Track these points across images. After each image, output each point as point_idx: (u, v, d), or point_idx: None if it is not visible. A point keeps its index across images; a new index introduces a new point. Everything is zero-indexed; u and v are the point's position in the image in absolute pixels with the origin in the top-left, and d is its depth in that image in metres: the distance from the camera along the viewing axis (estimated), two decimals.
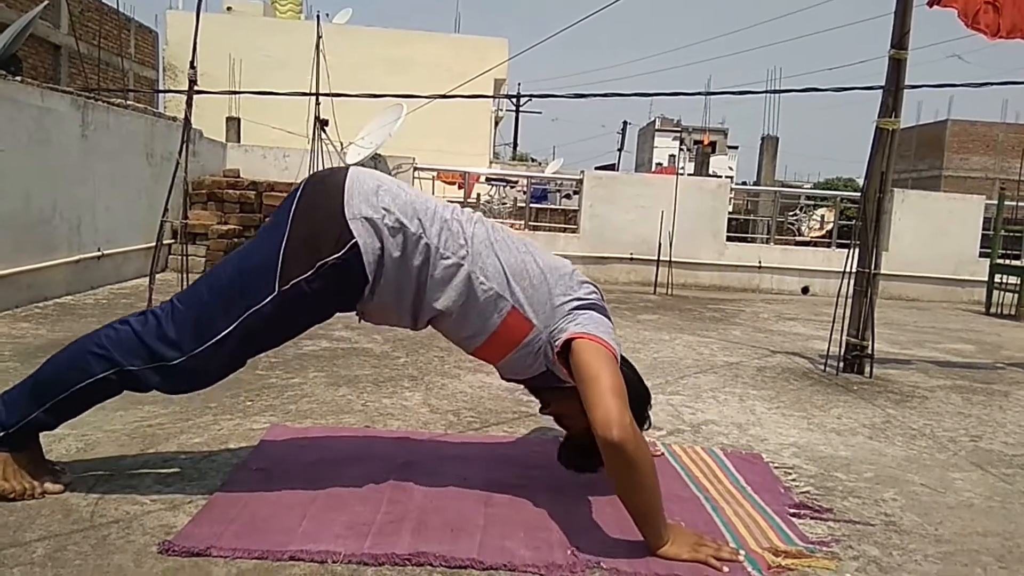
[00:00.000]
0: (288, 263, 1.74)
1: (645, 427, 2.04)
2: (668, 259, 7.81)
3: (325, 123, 7.81)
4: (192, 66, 3.99)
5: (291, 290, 1.74)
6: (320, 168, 7.64)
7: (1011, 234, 9.29)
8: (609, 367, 1.74)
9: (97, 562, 1.54)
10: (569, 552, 1.68)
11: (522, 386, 2.14)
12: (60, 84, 11.24)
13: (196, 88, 4.03)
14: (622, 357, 1.89)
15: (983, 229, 8.81)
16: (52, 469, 1.90)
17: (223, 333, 1.75)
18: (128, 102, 7.30)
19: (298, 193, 1.84)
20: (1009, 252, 9.11)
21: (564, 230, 9.74)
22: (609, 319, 1.92)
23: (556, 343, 1.84)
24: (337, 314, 1.90)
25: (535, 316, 1.87)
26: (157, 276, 4.24)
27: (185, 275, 3.87)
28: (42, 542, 1.61)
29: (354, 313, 1.93)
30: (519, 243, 1.95)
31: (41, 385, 1.80)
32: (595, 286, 1.99)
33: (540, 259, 1.93)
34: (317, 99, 7.69)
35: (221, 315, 1.76)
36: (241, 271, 1.80)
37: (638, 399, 1.94)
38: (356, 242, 1.75)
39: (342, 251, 1.75)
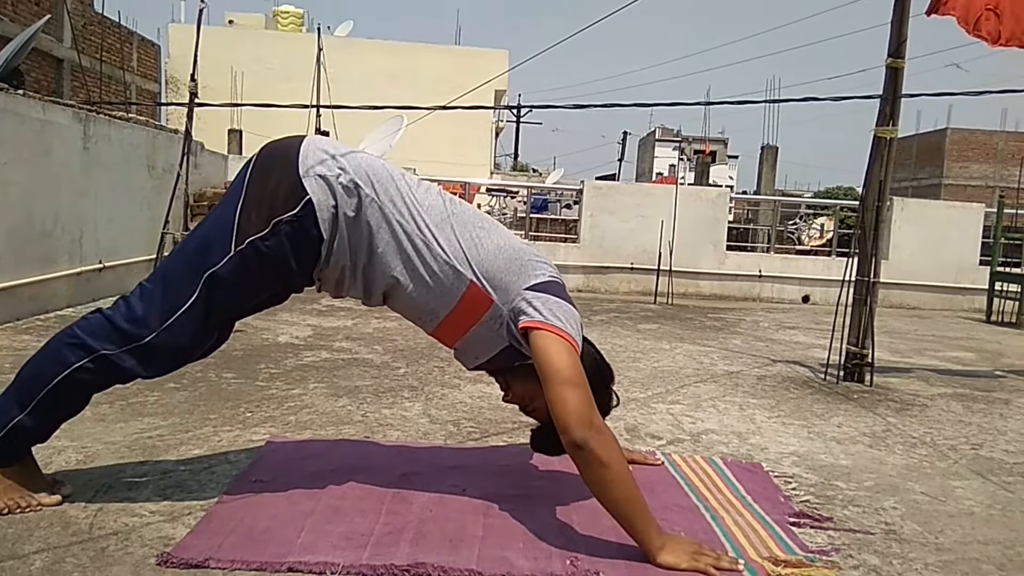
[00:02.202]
0: (243, 222, 1.75)
1: (613, 404, 2.03)
2: (668, 268, 7.82)
3: (326, 135, 7.85)
4: (193, 79, 4.01)
5: (247, 249, 1.74)
6: None
7: (1011, 242, 9.28)
8: (567, 359, 1.74)
9: (95, 574, 1.54)
10: (568, 562, 1.68)
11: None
12: (63, 97, 11.30)
13: (197, 101, 4.06)
14: (584, 338, 1.88)
15: (983, 237, 8.81)
16: (50, 481, 1.90)
17: (188, 303, 1.75)
18: (130, 115, 7.33)
19: (253, 158, 1.85)
20: (1009, 260, 9.11)
21: (565, 240, 9.75)
22: (567, 298, 1.88)
23: (517, 325, 1.82)
24: (300, 293, 1.90)
25: (494, 292, 1.85)
26: None
27: None
28: (40, 554, 1.61)
29: (313, 286, 1.91)
30: (476, 218, 1.92)
31: (21, 386, 1.79)
32: (551, 265, 1.95)
33: (496, 236, 1.90)
34: (318, 111, 7.73)
35: (185, 285, 1.76)
36: (201, 239, 1.81)
37: (600, 379, 1.92)
38: (310, 199, 1.75)
39: (296, 208, 1.74)
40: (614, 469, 1.68)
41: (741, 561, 1.72)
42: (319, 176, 1.77)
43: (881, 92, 3.99)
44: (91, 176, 5.32)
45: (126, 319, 1.76)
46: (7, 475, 1.80)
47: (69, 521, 1.77)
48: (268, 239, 1.75)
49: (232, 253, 1.75)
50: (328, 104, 7.60)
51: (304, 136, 1.91)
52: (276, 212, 1.75)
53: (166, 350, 1.78)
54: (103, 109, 6.79)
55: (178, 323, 1.76)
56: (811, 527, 1.99)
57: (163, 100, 17.07)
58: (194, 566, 1.58)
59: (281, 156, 1.81)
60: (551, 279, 1.89)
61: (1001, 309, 7.67)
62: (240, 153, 10.98)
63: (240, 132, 13.10)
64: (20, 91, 4.81)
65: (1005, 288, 7.67)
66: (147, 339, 1.75)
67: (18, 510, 1.78)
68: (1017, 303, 7.40)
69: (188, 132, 3.97)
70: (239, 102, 11.31)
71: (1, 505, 1.77)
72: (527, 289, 1.83)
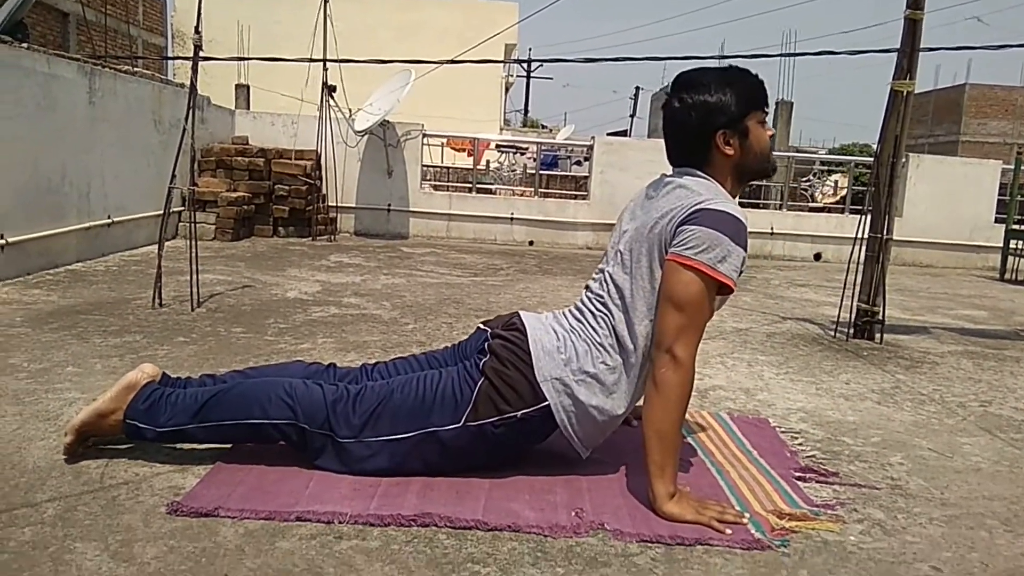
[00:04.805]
0: (478, 406, 1.82)
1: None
2: None
3: (333, 89, 7.74)
4: (197, 31, 3.95)
5: (476, 428, 1.81)
6: (328, 137, 7.59)
7: None
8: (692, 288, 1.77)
9: (107, 522, 1.56)
10: (573, 514, 1.70)
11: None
12: (68, 51, 11.19)
13: (202, 55, 4.00)
14: None
15: (999, 194, 8.69)
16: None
17: (397, 436, 1.82)
18: (136, 68, 7.27)
19: (486, 343, 1.92)
20: None
21: (575, 197, 9.67)
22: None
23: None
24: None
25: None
26: (167, 243, 4.25)
27: (194, 242, 3.87)
28: (52, 503, 1.63)
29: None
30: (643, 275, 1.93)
31: (213, 404, 1.85)
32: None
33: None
34: (325, 65, 7.62)
35: (403, 420, 1.83)
36: (437, 392, 1.85)
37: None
38: (548, 405, 1.82)
39: (531, 408, 1.82)
40: (669, 403, 1.72)
41: (746, 515, 1.73)
42: (555, 379, 1.82)
43: (899, 45, 3.89)
44: (97, 131, 5.30)
45: (341, 413, 1.83)
46: (104, 426, 1.86)
47: (81, 471, 1.79)
48: (498, 426, 1.82)
49: (460, 426, 1.81)
50: (335, 58, 7.48)
51: (522, 319, 1.94)
52: (512, 407, 1.81)
53: (345, 455, 1.83)
54: (109, 63, 6.72)
55: (376, 445, 1.82)
56: (816, 482, 1.99)
57: (169, 54, 16.89)
58: (204, 515, 1.60)
59: (515, 354, 1.85)
60: None
61: (1015, 267, 7.61)
62: (247, 108, 10.90)
63: (247, 87, 12.98)
64: (25, 45, 4.76)
65: (1020, 246, 7.59)
66: (343, 439, 1.82)
67: (67, 452, 1.86)
68: None
69: (193, 86, 3.92)
70: (245, 56, 11.17)
71: (71, 440, 1.84)
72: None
